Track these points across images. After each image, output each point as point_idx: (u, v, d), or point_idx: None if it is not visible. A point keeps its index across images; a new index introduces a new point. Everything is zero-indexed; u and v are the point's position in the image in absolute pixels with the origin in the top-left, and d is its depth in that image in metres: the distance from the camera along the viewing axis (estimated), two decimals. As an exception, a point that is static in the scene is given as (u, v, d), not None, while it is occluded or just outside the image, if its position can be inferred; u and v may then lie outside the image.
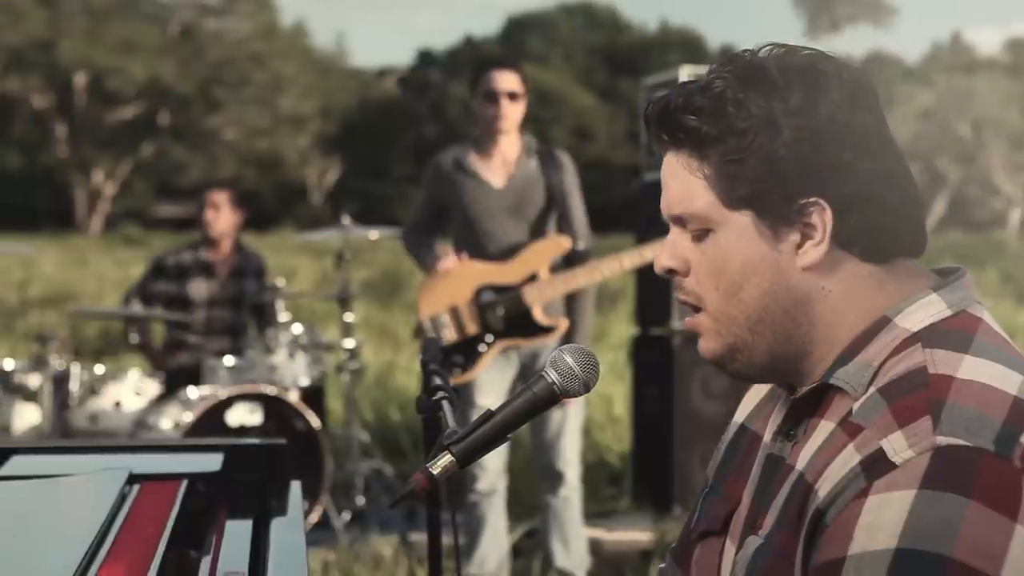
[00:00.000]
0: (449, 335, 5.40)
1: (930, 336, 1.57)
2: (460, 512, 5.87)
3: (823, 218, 1.57)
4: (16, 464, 2.29)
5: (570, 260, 5.45)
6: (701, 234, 1.63)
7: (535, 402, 1.74)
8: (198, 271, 7.00)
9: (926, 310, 1.59)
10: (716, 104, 1.58)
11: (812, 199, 1.57)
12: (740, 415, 1.83)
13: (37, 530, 1.87)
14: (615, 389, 9.13)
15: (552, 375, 1.73)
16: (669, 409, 6.58)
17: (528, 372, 5.47)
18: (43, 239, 30.27)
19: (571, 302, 5.48)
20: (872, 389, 1.54)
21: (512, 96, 5.38)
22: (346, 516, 6.51)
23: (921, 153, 46.35)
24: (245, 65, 45.03)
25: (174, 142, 45.05)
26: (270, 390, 6.27)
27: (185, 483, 2.18)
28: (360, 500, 6.63)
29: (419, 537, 6.32)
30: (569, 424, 5.50)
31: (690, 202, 1.62)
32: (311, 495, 6.24)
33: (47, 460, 2.34)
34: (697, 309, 1.66)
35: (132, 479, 2.17)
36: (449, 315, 5.42)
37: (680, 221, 1.65)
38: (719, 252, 1.61)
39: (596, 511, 6.69)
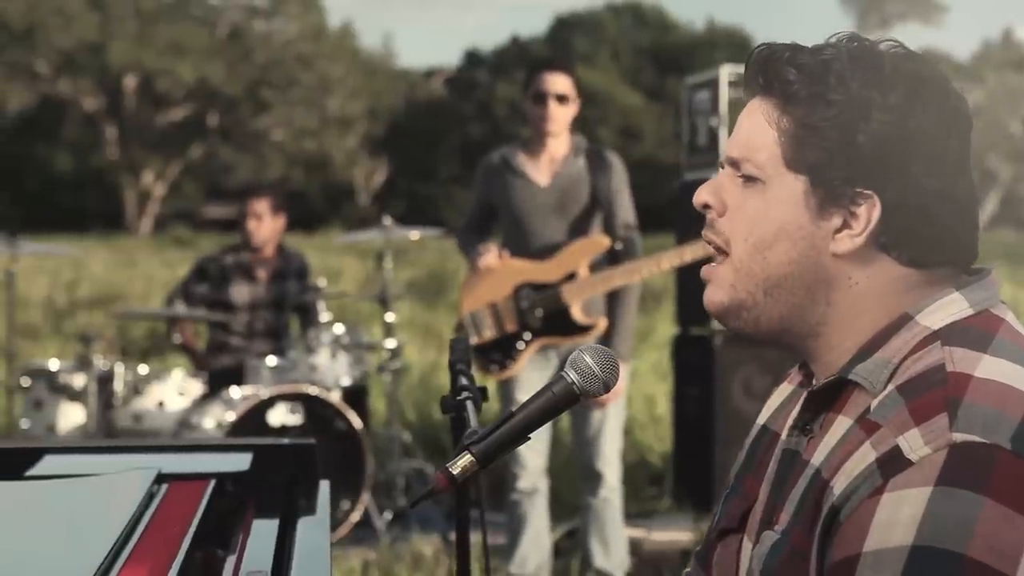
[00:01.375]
0: (488, 332, 5.41)
1: (950, 334, 1.56)
2: (501, 511, 5.88)
3: (870, 214, 1.57)
4: (48, 464, 2.32)
5: (613, 259, 5.44)
6: (751, 182, 1.63)
7: (555, 402, 1.74)
8: (240, 274, 7.03)
9: (947, 308, 1.59)
10: (820, 68, 1.58)
11: (868, 192, 1.57)
12: (763, 417, 1.84)
13: (63, 529, 1.89)
14: (658, 389, 9.12)
15: (572, 375, 1.73)
16: (710, 409, 6.57)
17: (567, 371, 5.46)
18: (93, 240, 30.52)
19: (612, 302, 5.47)
20: (891, 387, 1.54)
21: (561, 99, 5.38)
22: (388, 516, 6.53)
23: (972, 151, 45.91)
24: (293, 66, 45.21)
25: (223, 143, 45.32)
26: (311, 390, 6.30)
27: (213, 483, 2.19)
28: (402, 500, 6.65)
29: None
30: (609, 425, 5.49)
31: (755, 149, 1.62)
32: (353, 495, 6.27)
33: (79, 460, 2.36)
34: (720, 252, 1.66)
35: (161, 479, 2.19)
36: (489, 312, 5.43)
37: (735, 164, 1.65)
38: (761, 205, 1.62)
39: (637, 511, 6.69)
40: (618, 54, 50.28)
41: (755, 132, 1.63)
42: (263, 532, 2.08)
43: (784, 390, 1.82)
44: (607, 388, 1.74)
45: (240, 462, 2.35)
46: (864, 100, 1.57)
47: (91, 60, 43.56)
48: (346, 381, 6.64)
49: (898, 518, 1.43)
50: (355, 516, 6.25)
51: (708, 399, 6.59)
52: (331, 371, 6.59)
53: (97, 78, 44.21)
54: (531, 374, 5.43)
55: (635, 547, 6.00)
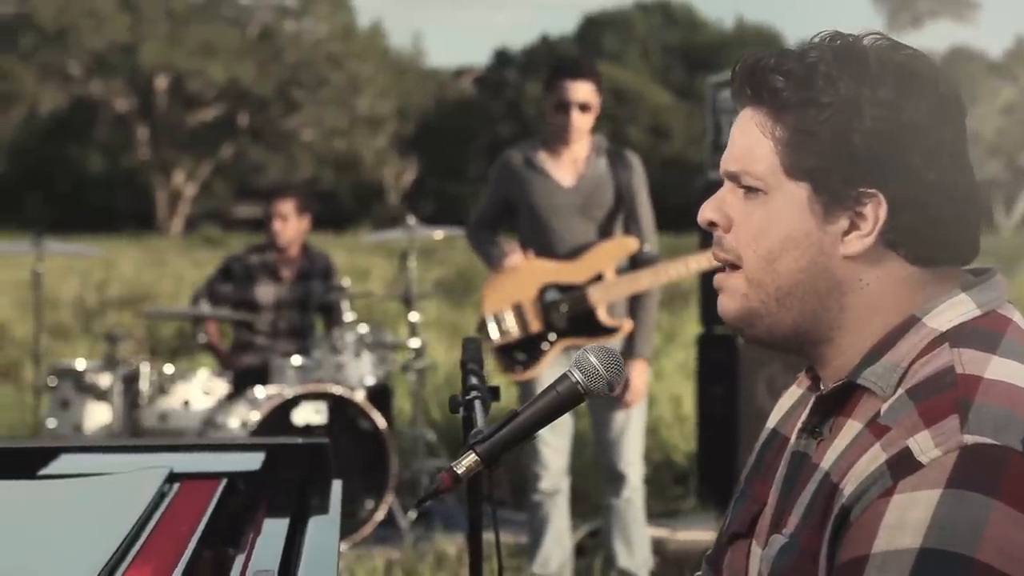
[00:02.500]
0: (513, 332, 5.41)
1: (958, 336, 1.55)
2: (524, 511, 5.89)
3: (877, 212, 1.56)
4: (63, 462, 2.33)
5: (636, 262, 5.43)
6: (753, 194, 1.62)
7: (560, 402, 1.74)
8: (265, 274, 7.06)
9: (955, 310, 1.58)
10: (807, 72, 1.57)
11: (871, 190, 1.56)
12: (772, 420, 1.83)
13: (72, 527, 1.90)
14: (684, 388, 9.10)
15: (576, 375, 1.73)
16: (734, 408, 6.56)
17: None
18: (124, 240, 30.67)
19: (635, 303, 5.46)
20: (900, 390, 1.53)
21: (583, 107, 5.35)
22: (412, 515, 6.54)
23: (1005, 148, 45.71)
24: (323, 66, 45.31)
25: (253, 143, 45.46)
26: (336, 389, 6.32)
27: (224, 482, 2.20)
28: (426, 499, 6.65)
29: (485, 536, 6.34)
30: (631, 426, 5.48)
31: (753, 160, 1.61)
32: (377, 494, 6.28)
33: (93, 459, 2.38)
34: (732, 267, 1.65)
35: (173, 478, 2.20)
36: (513, 312, 5.43)
37: (735, 178, 1.64)
38: (766, 216, 1.60)
39: (662, 511, 6.68)
40: (647, 53, 50.23)
41: (750, 144, 1.62)
42: (273, 531, 2.09)
43: (793, 393, 1.81)
44: (611, 388, 1.74)
45: (253, 461, 2.36)
46: (854, 98, 1.55)
47: (122, 61, 43.77)
48: (370, 381, 6.65)
49: (907, 520, 1.42)
50: (379, 515, 6.26)
51: (732, 398, 6.58)
52: (355, 371, 6.61)
53: (128, 79, 44.41)
54: (555, 375, 5.41)
55: (659, 546, 6.00)
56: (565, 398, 1.74)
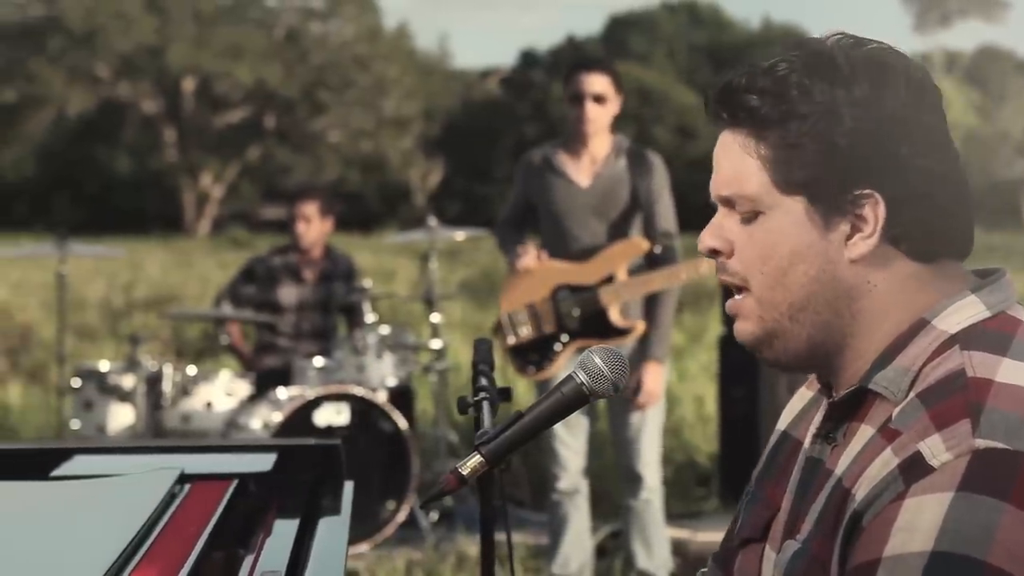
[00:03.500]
0: (526, 333, 5.42)
1: (968, 338, 1.54)
2: (544, 512, 5.89)
3: (876, 211, 1.56)
4: (76, 463, 2.35)
5: (652, 262, 5.41)
6: (750, 216, 1.61)
7: (565, 403, 1.75)
8: (287, 276, 7.09)
9: (964, 312, 1.57)
10: (780, 87, 1.57)
11: (867, 191, 1.55)
12: (783, 422, 1.82)
13: (82, 528, 1.91)
14: (707, 389, 9.08)
15: (581, 376, 1.74)
16: (756, 410, 6.55)
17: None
18: (152, 242, 30.79)
19: (650, 304, 5.44)
20: (912, 394, 1.52)
21: (598, 99, 5.34)
22: (433, 516, 6.54)
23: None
24: (349, 68, 45.39)
25: (279, 145, 45.57)
26: (357, 391, 6.33)
27: (235, 483, 2.21)
28: (448, 500, 6.66)
29: (502, 537, 6.34)
30: (648, 427, 5.47)
31: (743, 183, 1.61)
32: (398, 495, 6.29)
33: (106, 460, 2.39)
34: (740, 290, 1.65)
35: (184, 479, 2.21)
36: (527, 313, 5.43)
37: (728, 202, 1.63)
38: (767, 236, 1.60)
39: (684, 511, 6.68)
40: (674, 53, 50.15)
41: (737, 166, 1.61)
42: (283, 532, 2.10)
43: (804, 395, 1.81)
44: (616, 389, 1.75)
45: (264, 462, 2.37)
46: (831, 102, 1.55)
47: (150, 63, 43.94)
48: (392, 382, 6.66)
49: (918, 523, 1.42)
50: (401, 516, 6.27)
51: (753, 400, 6.57)
52: (377, 372, 6.62)
53: (156, 81, 44.59)
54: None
55: (681, 547, 5.99)
56: (570, 399, 1.75)
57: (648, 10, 52.90)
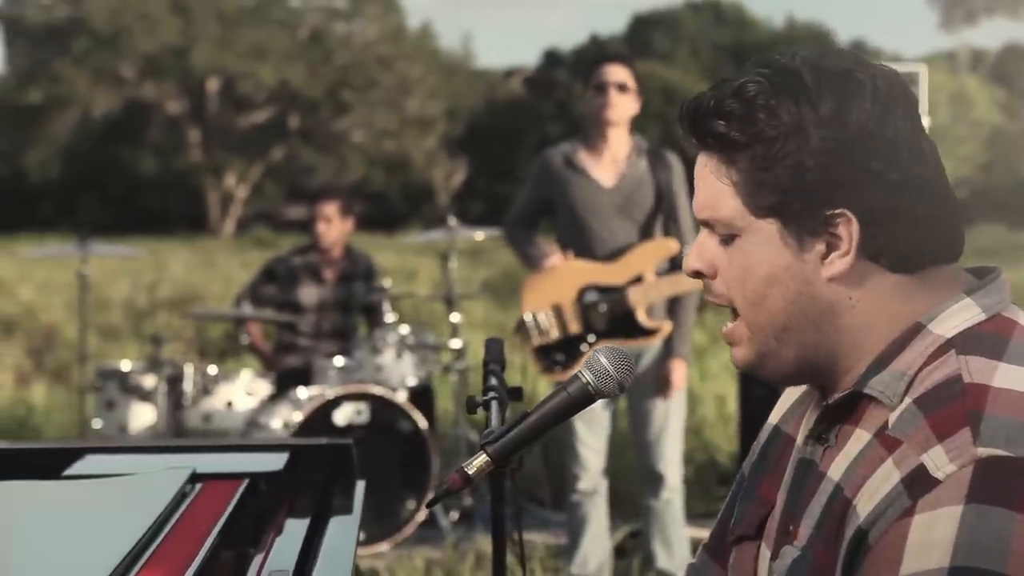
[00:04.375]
0: (552, 333, 5.42)
1: (964, 342, 1.53)
2: (563, 512, 5.89)
3: (849, 229, 1.55)
4: (87, 463, 2.35)
5: (676, 263, 5.41)
6: (728, 239, 1.61)
7: (570, 402, 1.75)
8: (308, 276, 7.11)
9: (960, 315, 1.56)
10: (747, 109, 1.56)
11: (839, 210, 1.54)
12: (774, 416, 1.82)
13: (92, 527, 1.92)
14: (729, 389, 9.05)
15: (587, 375, 1.74)
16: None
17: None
18: (176, 242, 30.89)
19: (674, 305, 5.45)
20: (908, 399, 1.52)
21: (621, 88, 5.35)
22: (453, 515, 6.55)
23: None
24: (372, 68, 45.41)
25: (303, 145, 45.63)
26: (376, 390, 6.35)
27: (245, 483, 2.21)
28: (468, 499, 6.66)
29: (526, 537, 6.35)
30: (670, 426, 5.47)
31: (717, 207, 1.61)
32: (418, 494, 6.30)
33: (117, 459, 2.40)
34: (734, 314, 1.65)
35: (196, 478, 2.22)
36: (552, 313, 5.43)
37: (708, 225, 1.64)
38: (744, 259, 1.60)
39: (705, 511, 6.66)
40: (697, 52, 50.04)
41: (711, 191, 1.61)
42: (293, 532, 2.11)
43: (795, 391, 1.80)
44: (622, 389, 1.75)
45: (276, 462, 2.37)
46: (798, 123, 1.54)
47: (174, 64, 44.06)
48: (412, 381, 6.67)
49: (933, 539, 1.41)
50: (420, 516, 6.28)
51: (774, 399, 6.50)
52: (397, 371, 6.63)
53: (180, 81, 44.70)
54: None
55: (701, 547, 5.97)
56: (576, 399, 1.75)
57: (672, 9, 52.78)
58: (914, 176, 1.55)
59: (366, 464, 6.26)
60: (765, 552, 1.68)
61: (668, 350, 5.41)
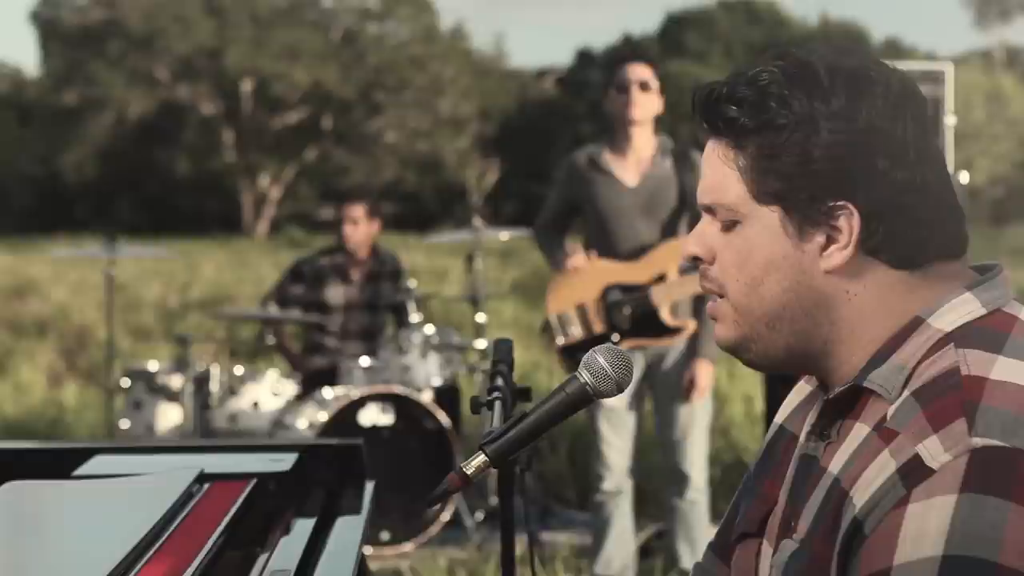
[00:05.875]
0: (576, 333, 5.42)
1: (963, 336, 1.54)
2: (587, 512, 5.88)
3: (851, 223, 1.56)
4: (97, 463, 2.37)
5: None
6: (729, 224, 1.62)
7: (569, 403, 1.75)
8: (335, 276, 7.15)
9: (959, 310, 1.57)
10: (759, 97, 1.57)
11: (841, 202, 1.55)
12: (780, 416, 1.82)
13: (97, 526, 1.93)
14: (756, 389, 9.02)
15: (585, 376, 1.74)
16: (803, 409, 6.49)
17: (652, 373, 5.45)
18: (211, 243, 31.02)
19: (700, 304, 5.43)
20: (906, 392, 1.52)
21: (644, 86, 5.35)
22: (479, 516, 6.55)
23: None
24: (405, 68, 45.47)
25: (337, 146, 45.75)
26: (401, 390, 6.36)
27: (253, 483, 2.22)
28: (493, 499, 6.67)
29: (551, 537, 6.35)
30: (695, 426, 5.46)
31: (722, 192, 1.62)
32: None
33: (127, 460, 2.41)
34: (720, 296, 1.66)
35: (204, 478, 2.23)
36: (576, 313, 5.43)
37: (710, 210, 1.64)
38: (744, 244, 1.61)
39: (731, 512, 6.64)
40: (731, 51, 49.87)
41: (717, 176, 1.62)
42: (299, 532, 2.11)
43: (802, 389, 1.81)
44: (620, 389, 1.75)
45: (285, 462, 2.38)
46: (809, 114, 1.55)
47: (208, 65, 44.26)
48: (437, 381, 6.69)
49: (926, 528, 1.41)
50: (445, 516, 6.29)
51: (800, 399, 6.51)
52: (422, 371, 6.65)
53: (214, 83, 44.90)
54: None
55: (726, 548, 5.95)
56: (574, 399, 1.75)
57: (705, 8, 52.63)
58: (919, 177, 1.56)
59: (391, 464, 6.30)
60: (767, 549, 1.69)
61: (693, 350, 5.39)
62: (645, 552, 5.94)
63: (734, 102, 1.59)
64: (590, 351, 1.75)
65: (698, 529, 5.48)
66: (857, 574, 1.46)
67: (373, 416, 6.38)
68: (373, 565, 6.10)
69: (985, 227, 32.21)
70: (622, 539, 5.51)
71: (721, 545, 1.85)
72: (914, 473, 1.44)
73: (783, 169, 1.56)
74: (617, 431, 5.43)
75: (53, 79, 46.21)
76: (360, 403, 6.36)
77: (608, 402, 5.37)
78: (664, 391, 5.45)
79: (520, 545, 6.16)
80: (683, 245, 1.68)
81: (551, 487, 7.27)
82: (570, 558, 5.90)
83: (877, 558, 1.44)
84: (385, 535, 6.23)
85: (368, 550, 6.16)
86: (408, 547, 6.19)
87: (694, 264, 1.68)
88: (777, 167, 1.57)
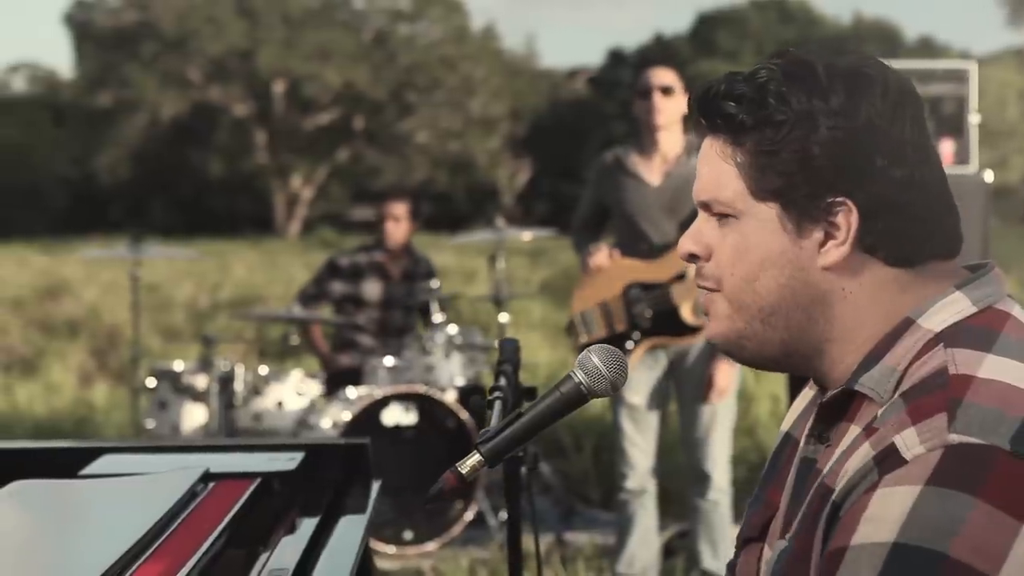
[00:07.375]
0: (598, 331, 5.42)
1: (953, 336, 1.54)
2: (612, 511, 5.88)
3: (848, 219, 1.56)
4: (104, 463, 2.38)
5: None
6: (726, 220, 1.62)
7: (563, 402, 1.75)
8: (372, 272, 7.21)
9: (949, 309, 1.56)
10: (758, 94, 1.58)
11: (839, 199, 1.56)
12: (786, 423, 1.82)
13: (99, 525, 1.95)
14: (783, 389, 9.00)
15: (579, 375, 1.74)
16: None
17: (675, 371, 5.45)
18: (243, 243, 31.15)
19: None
20: (896, 395, 1.52)
21: (666, 91, 5.35)
22: (502, 515, 6.55)
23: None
24: (437, 69, 45.57)
25: (368, 146, 45.88)
26: (423, 390, 6.38)
27: (256, 482, 2.23)
28: (518, 499, 6.66)
29: (574, 536, 6.35)
30: (718, 426, 5.44)
31: (719, 188, 1.62)
32: (466, 494, 6.31)
33: (134, 459, 2.42)
34: (713, 292, 1.65)
35: (208, 478, 2.23)
36: (599, 311, 5.44)
37: (707, 207, 1.64)
38: (741, 240, 1.61)
39: (756, 512, 6.61)
40: (763, 50, 49.68)
41: (715, 172, 1.62)
42: (301, 531, 2.12)
43: (806, 395, 1.81)
44: (615, 388, 1.74)
45: (291, 462, 2.39)
46: (808, 111, 1.55)
47: (241, 67, 44.46)
48: (460, 381, 6.70)
49: (886, 514, 1.43)
50: (468, 516, 6.29)
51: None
52: (446, 371, 6.66)
53: (246, 84, 45.09)
54: (640, 374, 5.41)
55: (749, 548, 5.94)
56: (569, 398, 1.74)
57: (737, 7, 52.49)
58: (917, 176, 1.57)
59: (414, 463, 6.29)
60: (768, 553, 1.69)
61: (714, 349, 5.37)
62: (668, 551, 5.93)
63: (732, 99, 1.59)
64: (584, 350, 1.75)
65: (719, 530, 5.47)
66: (826, 551, 1.49)
67: (396, 416, 6.39)
68: (396, 565, 6.11)
69: (1017, 225, 32.01)
70: (645, 538, 5.50)
71: (732, 561, 1.85)
72: (887, 460, 1.45)
73: (782, 166, 1.57)
74: (640, 430, 5.43)
75: (87, 81, 46.53)
76: (383, 403, 6.37)
77: (632, 400, 5.37)
78: (687, 389, 5.45)
79: (544, 544, 6.16)
80: (680, 243, 1.68)
81: (575, 486, 7.27)
82: (593, 558, 5.89)
83: (840, 537, 1.46)
84: (408, 535, 6.24)
85: (391, 550, 6.17)
86: (431, 547, 6.20)
87: (691, 261, 1.68)
88: (776, 164, 1.57)
